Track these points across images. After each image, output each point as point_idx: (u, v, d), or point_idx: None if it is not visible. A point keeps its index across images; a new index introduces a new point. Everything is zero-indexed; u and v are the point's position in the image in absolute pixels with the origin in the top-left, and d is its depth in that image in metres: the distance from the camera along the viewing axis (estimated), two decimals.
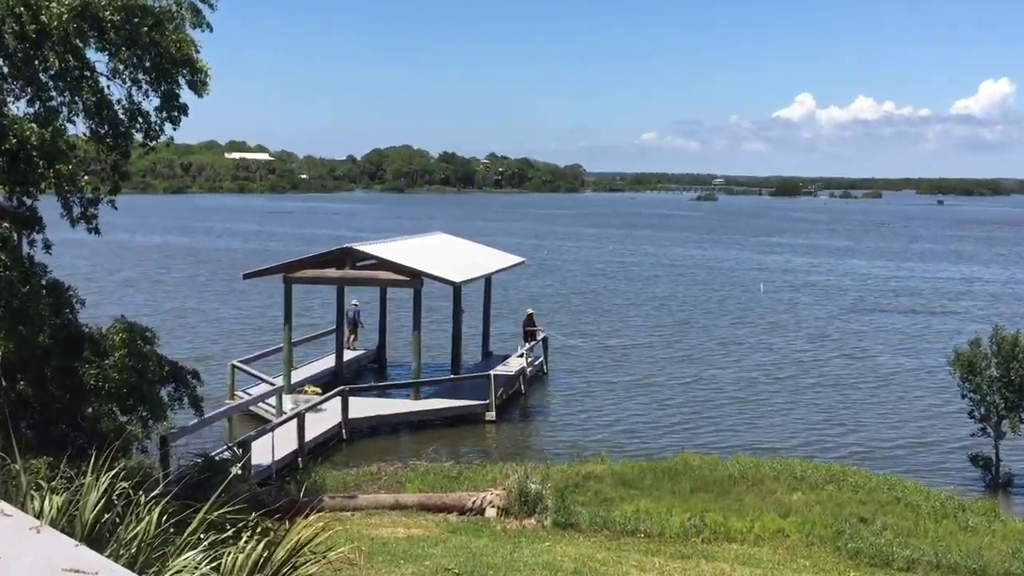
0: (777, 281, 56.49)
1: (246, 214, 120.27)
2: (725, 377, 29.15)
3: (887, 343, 35.62)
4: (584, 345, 33.87)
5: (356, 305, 29.93)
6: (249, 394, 23.02)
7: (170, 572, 4.38)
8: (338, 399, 21.63)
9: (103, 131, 12.23)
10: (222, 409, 19.31)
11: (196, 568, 4.42)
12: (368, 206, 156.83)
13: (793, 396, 26.84)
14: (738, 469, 17.62)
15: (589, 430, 23.09)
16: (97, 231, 12.60)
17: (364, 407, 22.64)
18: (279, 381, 23.56)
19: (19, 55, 11.35)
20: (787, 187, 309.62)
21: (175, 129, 12.55)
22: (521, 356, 26.27)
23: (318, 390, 23.74)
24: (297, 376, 25.42)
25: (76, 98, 11.86)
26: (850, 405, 25.92)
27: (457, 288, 25.86)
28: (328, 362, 27.60)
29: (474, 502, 15.02)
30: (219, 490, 5.66)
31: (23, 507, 4.67)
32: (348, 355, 28.30)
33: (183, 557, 4.59)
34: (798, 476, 17.28)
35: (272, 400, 21.89)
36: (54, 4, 11.22)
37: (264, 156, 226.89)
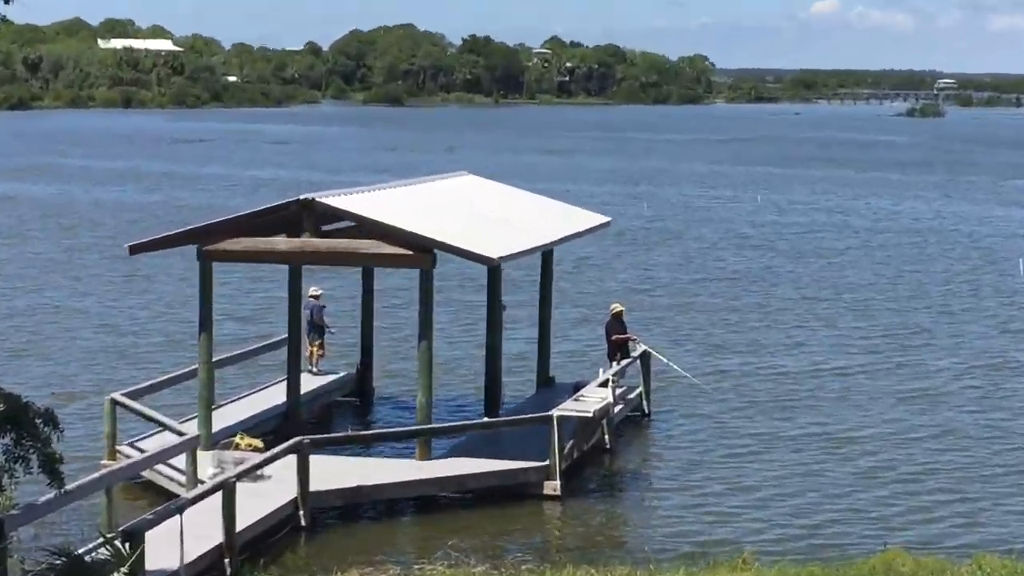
0: None
1: (138, 143, 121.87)
2: (972, 425, 28.91)
3: None
4: (718, 368, 33.71)
5: (318, 298, 30.10)
6: (141, 450, 23.26)
7: None
8: (291, 458, 21.78)
9: None
10: (96, 476, 19.52)
11: None
12: (343, 129, 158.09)
13: None
14: None
15: (724, 513, 23.03)
16: None
17: (336, 472, 22.74)
18: (192, 428, 23.77)
19: None
20: None
21: (8, 3, 12.56)
22: (605, 385, 26.19)
23: (258, 443, 23.89)
24: (223, 419, 25.64)
25: None
26: None
27: (495, 269, 25.81)
28: (274, 395, 27.80)
29: None
30: None
31: None
32: (309, 382, 28.47)
33: None
34: None
35: (180, 460, 22.10)
36: None
37: (164, 45, 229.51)
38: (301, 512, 21.56)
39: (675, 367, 30.35)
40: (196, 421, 24.57)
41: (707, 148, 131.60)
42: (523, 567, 19.21)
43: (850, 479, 25.07)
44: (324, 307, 30.21)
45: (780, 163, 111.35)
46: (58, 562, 15.62)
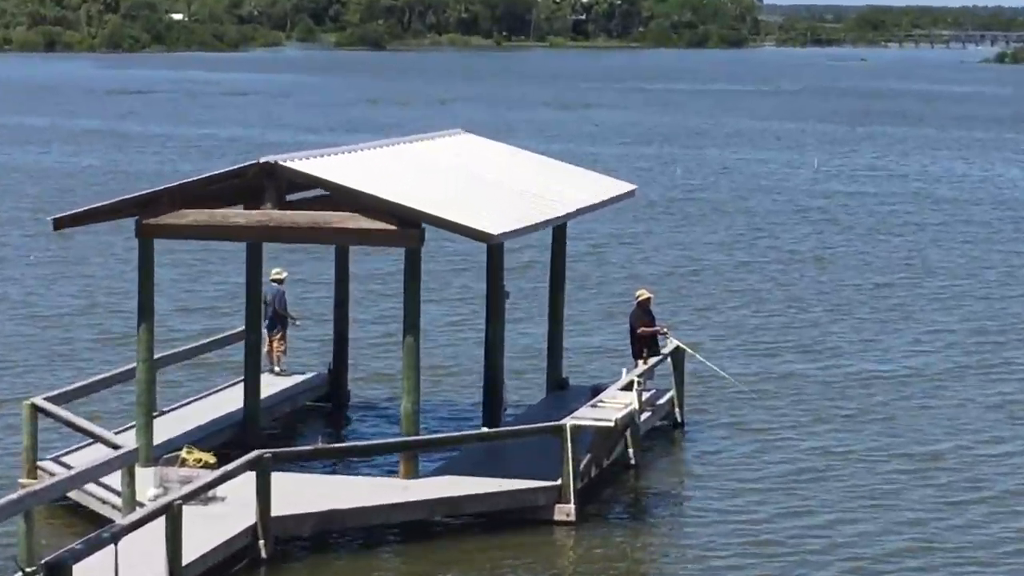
0: None
1: (64, 95, 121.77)
2: None
3: None
4: (768, 369, 33.71)
5: (281, 282, 30.07)
6: (66, 466, 23.27)
7: None
8: (250, 476, 21.80)
9: None
10: (13, 498, 19.46)
11: None
12: (312, 78, 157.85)
13: None
14: None
15: (773, 546, 22.99)
16: None
17: (304, 493, 22.77)
18: (129, 440, 23.77)
19: None
20: None
21: None
22: (630, 388, 26.19)
23: (210, 458, 23.89)
24: (167, 429, 25.67)
25: None
26: None
27: (496, 247, 25.84)
28: (229, 400, 27.84)
29: None
30: None
31: None
32: (271, 385, 28.51)
33: None
34: None
35: (115, 479, 22.11)
36: None
37: None
38: (261, 542, 21.51)
39: (714, 367, 30.31)
40: (134, 431, 24.52)
41: (753, 101, 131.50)
42: None
43: (931, 505, 24.91)
44: (283, 294, 30.10)
45: (843, 120, 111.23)
46: None
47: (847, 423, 29.67)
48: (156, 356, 25.55)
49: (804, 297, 42.44)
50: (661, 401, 28.59)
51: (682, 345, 29.28)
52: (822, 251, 50.67)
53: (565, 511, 23.27)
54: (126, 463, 21.72)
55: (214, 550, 20.73)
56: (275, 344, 29.80)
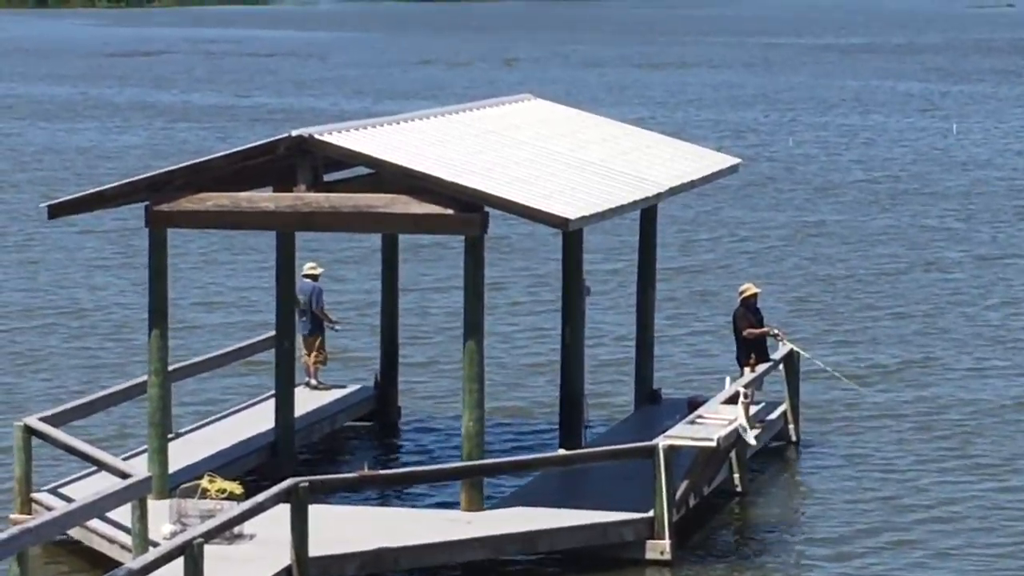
0: None
1: (60, 60, 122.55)
2: None
3: None
4: (911, 385, 33.44)
5: (316, 278, 30.16)
6: (66, 499, 23.39)
7: None
8: (283, 510, 21.88)
9: None
10: (3, 537, 19.58)
11: None
12: (355, 34, 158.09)
13: None
14: None
15: None
16: None
17: (347, 529, 22.89)
18: (140, 467, 23.89)
19: None
20: None
21: None
22: (734, 401, 26.11)
23: (235, 488, 24.01)
24: (184, 454, 25.83)
25: None
26: None
27: (573, 235, 25.88)
28: (258, 419, 28.00)
29: None
30: None
31: None
32: (307, 400, 28.68)
33: None
34: None
35: (123, 513, 22.22)
36: None
37: None
38: None
39: (838, 375, 30.18)
40: (146, 457, 24.71)
41: (877, 59, 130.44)
42: None
43: None
44: (320, 292, 30.19)
45: (982, 75, 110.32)
46: None
47: (1006, 454, 28.82)
48: (171, 368, 25.66)
49: (968, 299, 41.64)
50: (772, 416, 28.54)
51: (797, 348, 29.18)
52: (988, 245, 49.64)
53: (659, 548, 23.24)
54: (137, 495, 21.84)
55: None
56: (312, 353, 29.90)
